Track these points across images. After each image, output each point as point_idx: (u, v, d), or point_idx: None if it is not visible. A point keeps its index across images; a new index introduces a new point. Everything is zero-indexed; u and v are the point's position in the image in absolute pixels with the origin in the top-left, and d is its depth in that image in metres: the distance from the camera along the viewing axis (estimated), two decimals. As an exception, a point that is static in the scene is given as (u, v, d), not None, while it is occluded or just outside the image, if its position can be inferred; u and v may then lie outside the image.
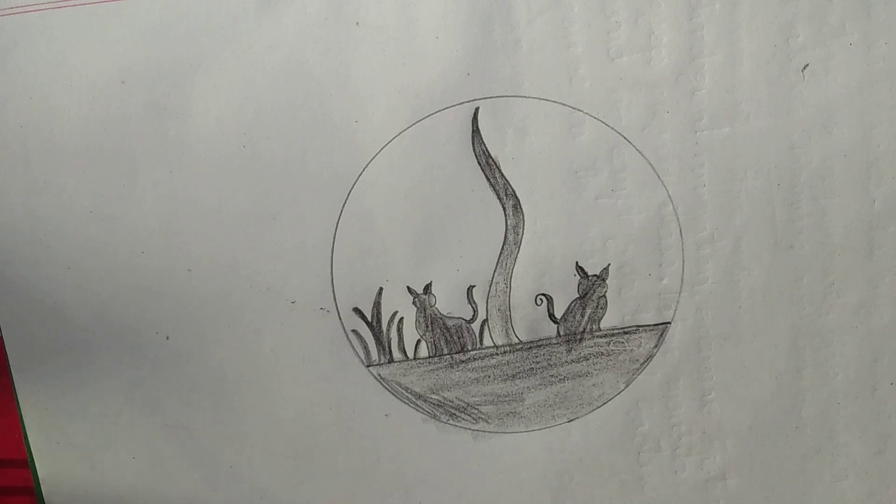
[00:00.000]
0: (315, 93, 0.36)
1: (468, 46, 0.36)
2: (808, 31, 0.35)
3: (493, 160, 0.37)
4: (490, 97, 0.36)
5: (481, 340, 0.38)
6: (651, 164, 0.37)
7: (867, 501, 0.39)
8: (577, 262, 0.38)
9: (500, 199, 0.37)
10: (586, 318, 0.38)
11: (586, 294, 0.38)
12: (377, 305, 0.38)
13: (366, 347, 0.38)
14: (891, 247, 0.37)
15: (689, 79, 0.36)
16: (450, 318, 0.38)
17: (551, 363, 0.39)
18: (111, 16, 0.35)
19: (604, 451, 0.39)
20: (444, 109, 0.36)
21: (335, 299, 0.38)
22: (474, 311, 0.38)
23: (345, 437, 0.39)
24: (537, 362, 0.39)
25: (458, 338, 0.38)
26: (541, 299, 0.38)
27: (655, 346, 0.38)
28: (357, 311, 0.38)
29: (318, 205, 0.37)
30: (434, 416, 0.39)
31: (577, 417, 0.39)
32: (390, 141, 0.36)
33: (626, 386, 0.39)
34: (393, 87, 0.36)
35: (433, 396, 0.39)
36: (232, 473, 0.40)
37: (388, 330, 0.38)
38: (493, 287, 0.38)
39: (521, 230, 0.37)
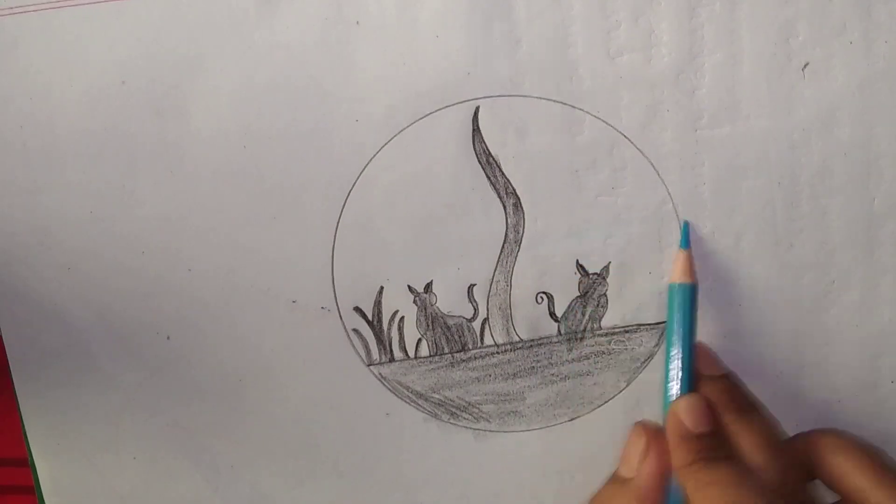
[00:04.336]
0: (315, 93, 0.36)
1: (468, 46, 0.36)
2: (808, 30, 0.35)
3: (493, 159, 0.37)
4: (490, 96, 0.36)
5: (482, 339, 0.38)
6: (651, 163, 0.37)
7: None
8: (577, 261, 0.38)
9: (500, 197, 0.37)
10: (587, 316, 0.38)
11: (587, 292, 0.38)
12: (378, 304, 0.38)
13: (366, 346, 0.38)
14: (891, 245, 0.37)
15: (690, 78, 0.36)
16: (450, 316, 0.38)
17: (552, 362, 0.39)
18: (111, 16, 0.35)
19: (605, 450, 0.39)
20: (444, 109, 0.36)
21: (336, 298, 0.38)
22: (475, 309, 0.38)
23: (345, 436, 0.39)
24: (538, 361, 0.39)
25: (459, 337, 0.38)
26: (541, 298, 0.38)
27: (656, 345, 0.38)
28: (358, 310, 0.38)
29: (318, 204, 0.37)
30: (435, 416, 0.39)
31: (579, 416, 0.39)
32: (390, 141, 0.36)
33: (628, 385, 0.39)
34: (393, 86, 0.36)
35: (434, 395, 0.39)
36: (232, 473, 0.40)
37: (389, 329, 0.38)
38: (493, 286, 0.38)
39: (521, 229, 0.37)
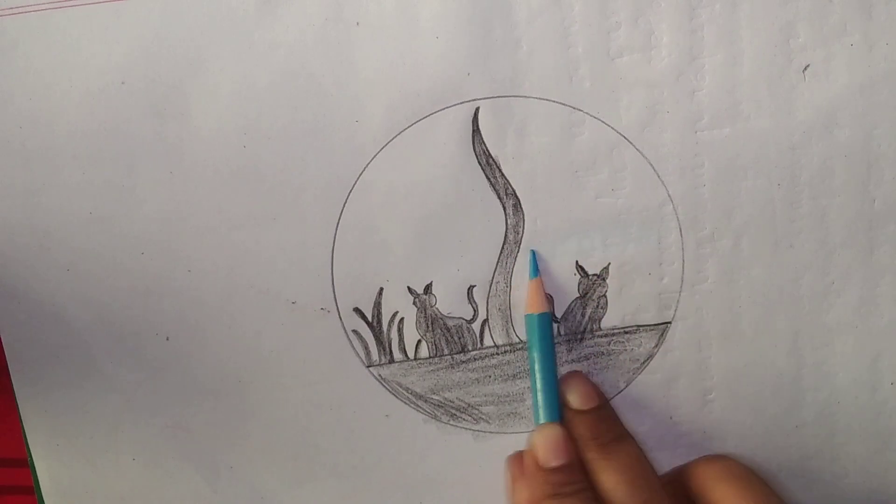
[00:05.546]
0: (315, 93, 0.36)
1: (468, 46, 0.36)
2: (808, 31, 0.35)
3: (493, 160, 0.37)
4: (490, 97, 0.36)
5: (482, 340, 0.38)
6: (651, 164, 0.37)
7: (868, 501, 0.39)
8: (577, 262, 0.38)
9: (500, 198, 0.37)
10: (586, 317, 0.38)
11: (586, 293, 0.38)
12: (377, 306, 0.38)
13: (366, 348, 0.38)
14: (891, 246, 0.37)
15: (690, 79, 0.36)
16: (450, 318, 0.38)
17: (552, 363, 0.39)
18: (111, 16, 0.35)
19: (605, 451, 0.39)
20: (444, 109, 0.36)
21: (335, 299, 0.38)
22: (475, 310, 0.38)
23: (345, 437, 0.39)
24: (538, 362, 0.39)
25: (459, 338, 0.38)
26: (541, 299, 0.38)
27: (656, 346, 0.38)
28: (357, 311, 0.38)
29: (318, 205, 0.37)
30: (435, 417, 0.39)
31: (578, 417, 0.39)
32: (390, 141, 0.36)
33: (627, 385, 0.39)
34: (393, 87, 0.36)
35: (434, 397, 0.39)
36: (232, 474, 0.40)
37: (389, 330, 0.38)
38: (493, 287, 0.38)
39: (521, 229, 0.37)
